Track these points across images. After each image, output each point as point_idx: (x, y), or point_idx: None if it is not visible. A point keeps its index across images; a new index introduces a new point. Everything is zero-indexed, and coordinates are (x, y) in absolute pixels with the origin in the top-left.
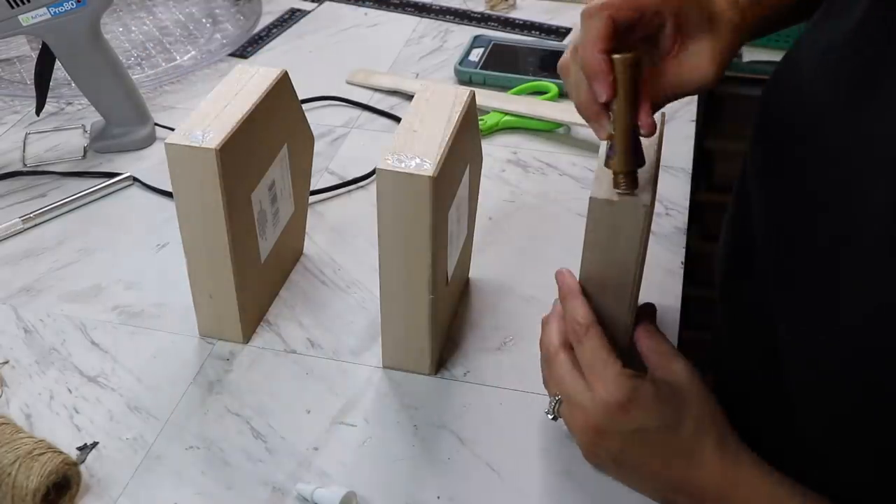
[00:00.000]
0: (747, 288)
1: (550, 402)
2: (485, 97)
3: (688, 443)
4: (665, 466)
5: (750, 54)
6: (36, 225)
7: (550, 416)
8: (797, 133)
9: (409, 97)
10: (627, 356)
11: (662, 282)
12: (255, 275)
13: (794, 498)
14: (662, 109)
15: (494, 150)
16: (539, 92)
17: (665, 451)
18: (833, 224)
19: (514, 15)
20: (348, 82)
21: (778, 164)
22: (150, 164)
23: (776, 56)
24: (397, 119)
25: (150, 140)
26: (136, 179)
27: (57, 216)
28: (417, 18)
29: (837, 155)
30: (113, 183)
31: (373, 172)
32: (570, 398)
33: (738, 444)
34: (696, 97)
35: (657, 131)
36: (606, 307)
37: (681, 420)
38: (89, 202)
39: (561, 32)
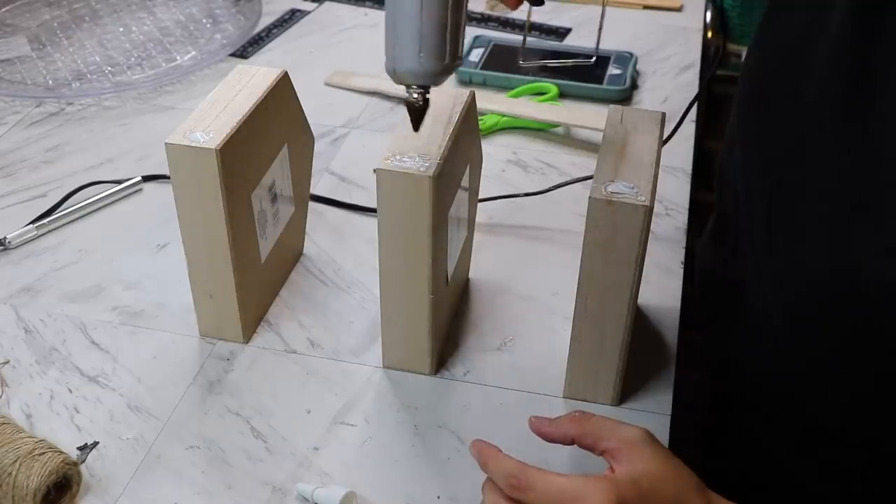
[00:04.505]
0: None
1: None
2: (482, 100)
3: None
4: None
5: None
6: (49, 231)
7: None
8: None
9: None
10: (627, 356)
11: (662, 282)
12: (255, 275)
13: None
14: (662, 110)
15: (494, 150)
16: (539, 93)
17: None
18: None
19: (514, 15)
20: (326, 84)
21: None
22: (152, 163)
23: None
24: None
25: None
26: (146, 179)
27: (68, 222)
28: None
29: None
30: (126, 187)
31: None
32: None
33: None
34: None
35: (658, 130)
36: (606, 307)
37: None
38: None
39: (561, 32)
